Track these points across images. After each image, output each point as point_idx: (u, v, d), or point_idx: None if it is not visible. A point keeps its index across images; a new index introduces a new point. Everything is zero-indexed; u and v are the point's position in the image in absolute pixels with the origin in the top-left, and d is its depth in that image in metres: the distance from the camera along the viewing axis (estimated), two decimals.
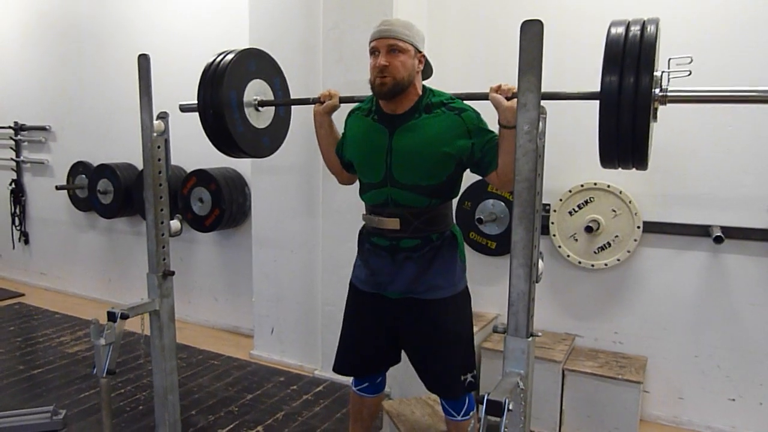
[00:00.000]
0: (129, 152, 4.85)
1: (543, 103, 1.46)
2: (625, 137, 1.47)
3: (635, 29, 1.49)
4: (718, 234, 2.85)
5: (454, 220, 2.23)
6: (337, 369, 2.33)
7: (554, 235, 3.25)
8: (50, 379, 3.64)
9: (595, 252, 3.19)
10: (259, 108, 2.41)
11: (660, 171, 2.98)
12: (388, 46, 1.97)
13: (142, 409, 3.24)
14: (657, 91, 1.49)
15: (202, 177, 4.19)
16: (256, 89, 2.40)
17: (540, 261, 1.56)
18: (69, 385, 3.56)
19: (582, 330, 3.35)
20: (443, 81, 3.57)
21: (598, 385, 2.95)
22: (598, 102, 1.58)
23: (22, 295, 5.56)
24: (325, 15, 3.41)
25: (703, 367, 3.07)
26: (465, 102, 2.07)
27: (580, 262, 3.22)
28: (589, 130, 3.35)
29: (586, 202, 3.17)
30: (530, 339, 1.51)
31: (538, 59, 1.38)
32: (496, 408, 1.33)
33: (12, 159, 5.72)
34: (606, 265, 3.17)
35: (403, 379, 3.27)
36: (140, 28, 4.74)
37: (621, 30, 1.49)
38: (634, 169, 1.67)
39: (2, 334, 4.49)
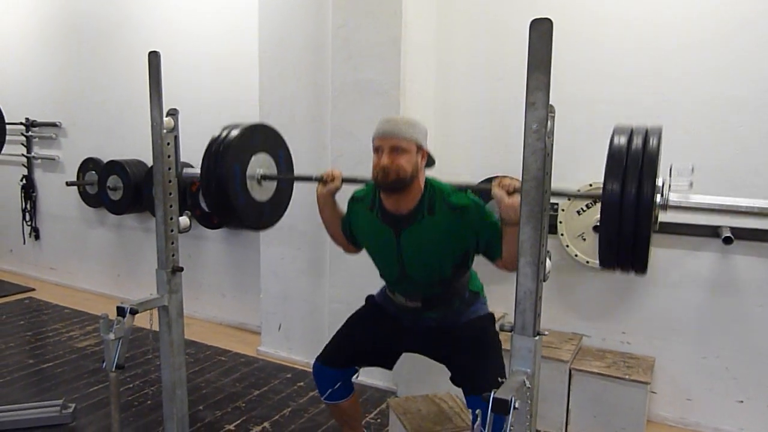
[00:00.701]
0: (139, 149, 4.87)
1: (552, 101, 1.46)
2: (626, 243, 1.50)
3: (638, 140, 1.51)
4: (728, 235, 2.84)
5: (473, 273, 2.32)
6: (318, 359, 2.40)
7: (562, 235, 3.24)
8: (60, 373, 3.68)
9: None
10: (262, 182, 2.40)
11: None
12: (391, 147, 1.99)
13: (150, 404, 3.27)
14: (658, 199, 1.51)
15: None
16: (260, 162, 2.38)
17: (547, 260, 1.56)
18: (78, 379, 3.59)
19: (589, 330, 3.35)
20: (450, 81, 3.58)
21: (605, 385, 2.94)
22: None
23: (33, 289, 5.61)
24: (334, 13, 3.41)
25: (711, 368, 3.06)
26: (466, 190, 2.11)
27: (588, 262, 3.21)
28: (599, 131, 3.34)
29: (595, 202, 3.15)
30: (537, 338, 1.51)
31: (547, 58, 1.38)
32: (502, 406, 1.33)
33: (23, 155, 5.77)
34: None
35: (409, 377, 3.28)
36: (151, 25, 4.77)
37: (624, 140, 1.52)
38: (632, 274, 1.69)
39: (12, 328, 4.54)
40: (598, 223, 1.55)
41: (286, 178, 2.52)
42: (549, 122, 1.44)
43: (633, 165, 1.46)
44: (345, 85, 3.41)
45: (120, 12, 4.96)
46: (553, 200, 3.09)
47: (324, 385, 2.38)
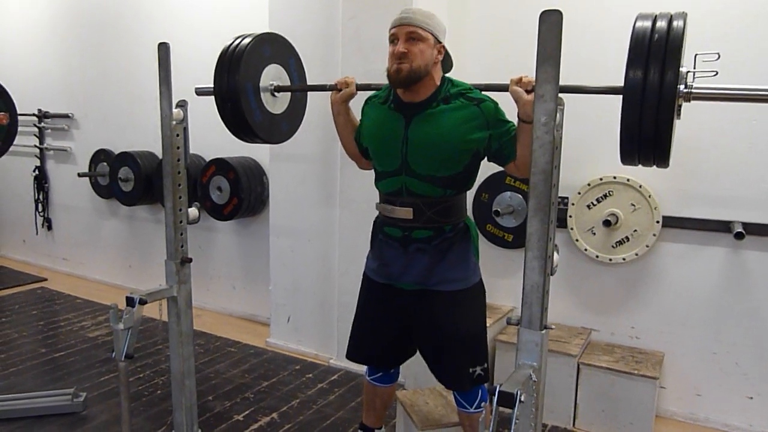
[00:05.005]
0: (150, 140, 4.91)
1: (563, 95, 1.45)
2: (647, 133, 1.44)
3: (662, 24, 1.45)
4: (740, 230, 2.81)
5: (470, 213, 2.22)
6: (349, 356, 2.35)
7: (572, 229, 3.23)
8: (71, 363, 3.72)
9: (613, 246, 3.16)
10: (275, 93, 2.41)
11: (681, 166, 2.94)
12: (407, 33, 1.95)
13: (159, 394, 3.30)
14: (682, 87, 1.46)
15: (221, 166, 4.22)
16: (272, 74, 2.39)
17: (555, 253, 1.56)
18: (89, 368, 3.63)
19: (598, 324, 3.33)
20: (459, 75, 3.56)
21: (614, 379, 2.93)
22: (620, 97, 1.56)
23: (45, 279, 5.67)
24: (344, 5, 3.40)
25: (722, 364, 3.03)
26: (484, 92, 2.05)
27: (597, 256, 3.20)
28: (609, 124, 3.31)
29: (605, 196, 3.13)
30: (544, 332, 1.50)
31: (556, 50, 1.37)
32: (508, 399, 1.33)
33: (36, 146, 5.82)
34: (624, 259, 3.14)
35: (417, 370, 3.28)
36: (161, 17, 4.78)
37: (647, 24, 1.46)
38: (654, 167, 1.65)
39: (25, 317, 4.59)
40: (621, 117, 1.45)
41: (299, 89, 2.53)
42: (558, 115, 1.43)
43: (656, 51, 1.40)
44: (355, 78, 3.39)
45: (131, 5, 4.97)
46: (563, 194, 3.10)
47: (370, 369, 2.41)
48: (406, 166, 2.05)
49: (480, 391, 2.20)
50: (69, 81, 5.56)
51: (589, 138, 3.12)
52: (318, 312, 3.88)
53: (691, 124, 2.94)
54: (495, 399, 1.34)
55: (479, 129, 1.99)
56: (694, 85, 1.53)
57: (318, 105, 3.76)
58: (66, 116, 5.59)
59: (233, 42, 2.33)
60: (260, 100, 2.36)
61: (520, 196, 3.38)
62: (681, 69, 1.43)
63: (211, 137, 3.82)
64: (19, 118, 3.54)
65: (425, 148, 2.02)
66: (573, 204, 3.21)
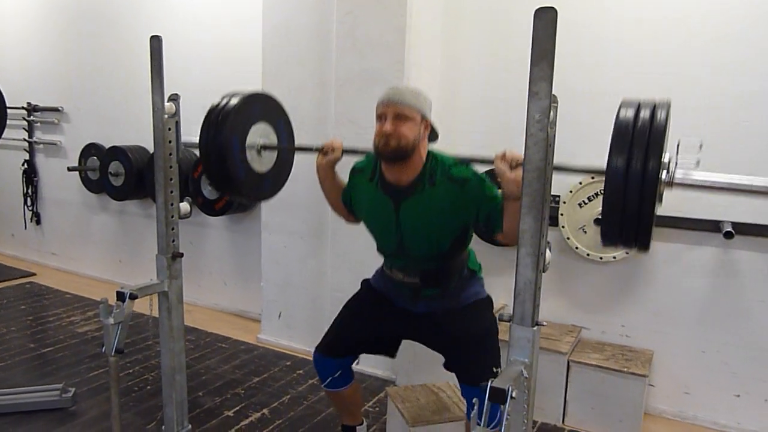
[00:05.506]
0: (141, 135, 4.86)
1: (555, 93, 1.45)
2: (629, 220, 1.48)
3: (645, 114, 1.49)
4: (729, 229, 2.83)
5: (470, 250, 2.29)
6: (317, 349, 2.40)
7: (563, 227, 3.24)
8: (60, 358, 3.70)
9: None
10: (262, 152, 2.36)
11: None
12: (395, 113, 1.97)
13: (150, 389, 3.28)
14: (664, 175, 1.49)
15: None
16: (260, 132, 2.34)
17: (547, 251, 1.56)
18: (79, 363, 3.61)
19: (589, 322, 3.35)
20: (455, 73, 3.57)
21: (604, 377, 2.95)
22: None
23: (34, 274, 5.63)
24: (339, 1, 3.39)
25: (710, 362, 3.06)
26: (468, 163, 2.07)
27: (588, 255, 3.21)
28: (602, 123, 3.33)
29: (596, 195, 3.15)
30: (536, 328, 1.51)
31: (551, 47, 1.37)
32: (499, 395, 1.33)
33: (25, 140, 5.77)
34: (614, 258, 3.16)
35: (408, 366, 3.29)
36: (153, 10, 4.75)
37: (631, 113, 1.49)
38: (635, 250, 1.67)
39: (14, 312, 4.56)
40: (600, 216, 1.54)
41: (286, 149, 2.50)
42: (552, 112, 1.43)
43: (639, 139, 1.43)
44: (349, 74, 3.40)
45: None
46: (554, 193, 3.11)
47: (324, 373, 2.39)
48: (404, 249, 2.14)
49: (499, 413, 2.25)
50: (59, 74, 5.51)
51: (580, 137, 3.12)
52: (309, 308, 3.88)
53: (682, 123, 2.97)
54: (486, 395, 1.34)
55: (466, 209, 2.03)
56: (677, 172, 1.56)
57: (313, 100, 3.76)
58: (56, 110, 5.54)
59: (222, 100, 2.26)
60: (245, 158, 2.29)
61: None
62: (663, 158, 1.46)
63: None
64: (8, 111, 3.51)
65: (418, 234, 2.09)
66: (564, 202, 3.22)
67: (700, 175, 1.60)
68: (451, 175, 2.02)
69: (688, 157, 1.59)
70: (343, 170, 2.32)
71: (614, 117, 1.49)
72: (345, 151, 2.23)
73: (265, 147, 2.35)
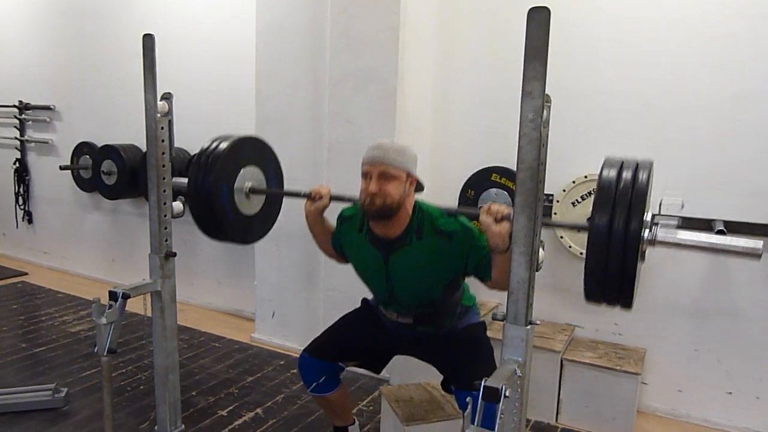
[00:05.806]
0: (134, 133, 4.83)
1: (549, 93, 1.45)
2: (612, 277, 1.49)
3: (627, 174, 1.50)
4: (721, 228, 2.84)
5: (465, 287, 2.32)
6: (305, 350, 2.40)
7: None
8: (52, 358, 3.68)
9: None
10: (250, 195, 2.36)
11: (664, 164, 2.96)
12: (380, 173, 1.97)
13: (143, 389, 3.27)
14: (646, 233, 1.50)
15: None
16: (249, 176, 2.35)
17: (541, 249, 1.57)
18: (71, 363, 3.59)
19: (582, 321, 3.36)
20: (449, 71, 3.57)
21: (597, 375, 2.96)
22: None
23: (26, 273, 5.59)
24: (333, 0, 3.38)
25: (703, 360, 3.08)
26: (455, 214, 2.09)
27: (581, 253, 3.22)
28: (595, 122, 3.34)
29: (590, 194, 3.16)
30: (529, 327, 1.51)
31: (544, 46, 1.37)
32: (492, 394, 1.34)
33: (16, 138, 5.73)
34: None
35: (402, 366, 3.28)
36: (146, 8, 4.72)
37: (613, 174, 1.51)
38: (618, 308, 1.67)
39: (5, 312, 4.53)
40: (586, 256, 1.54)
41: (274, 193, 2.50)
42: (545, 112, 1.44)
43: (622, 199, 1.47)
44: (343, 73, 3.39)
45: None
46: (548, 191, 3.11)
47: (309, 377, 2.39)
48: (395, 297, 2.17)
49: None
50: (51, 72, 5.47)
51: (574, 136, 3.14)
52: (303, 308, 3.87)
53: (674, 122, 2.98)
54: (480, 394, 1.34)
55: (454, 261, 2.05)
56: (659, 231, 1.58)
57: (306, 98, 3.74)
58: (48, 108, 5.51)
59: (211, 144, 2.27)
60: (233, 201, 2.30)
61: (506, 192, 3.39)
62: (646, 217, 1.48)
63: (196, 131, 3.78)
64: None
65: (408, 285, 2.13)
66: (558, 201, 3.23)
67: (682, 234, 1.62)
68: (438, 228, 2.04)
69: (670, 219, 1.62)
70: (332, 214, 2.35)
71: (598, 173, 1.51)
72: (333, 198, 2.24)
73: (253, 191, 2.35)
